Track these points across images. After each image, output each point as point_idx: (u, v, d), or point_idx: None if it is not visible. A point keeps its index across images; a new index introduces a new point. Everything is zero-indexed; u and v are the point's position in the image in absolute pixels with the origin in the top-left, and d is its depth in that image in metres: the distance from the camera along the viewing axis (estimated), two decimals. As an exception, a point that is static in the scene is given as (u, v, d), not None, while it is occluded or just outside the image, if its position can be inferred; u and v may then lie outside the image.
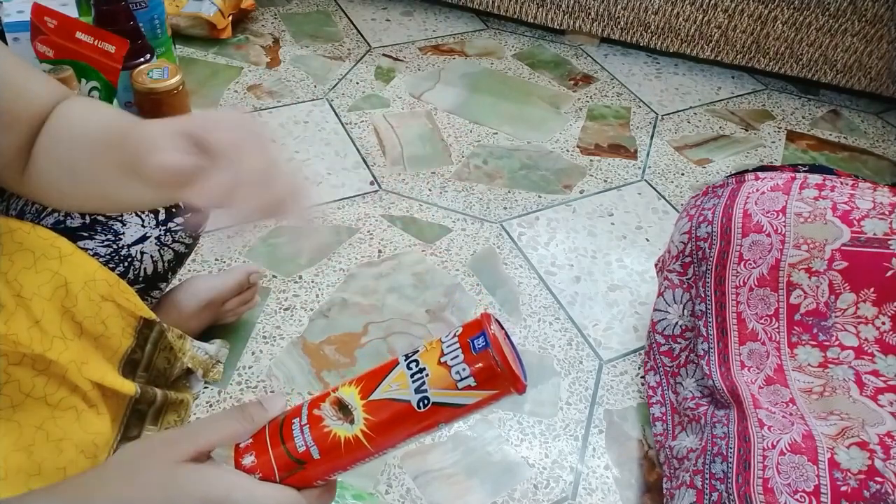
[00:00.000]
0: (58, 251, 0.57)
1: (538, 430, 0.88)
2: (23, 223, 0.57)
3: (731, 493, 0.64)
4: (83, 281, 0.58)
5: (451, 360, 0.37)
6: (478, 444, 0.85)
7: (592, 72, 1.60)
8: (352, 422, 0.38)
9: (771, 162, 1.40)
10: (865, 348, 0.69)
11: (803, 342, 0.72)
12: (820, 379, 0.70)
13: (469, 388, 0.36)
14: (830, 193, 0.73)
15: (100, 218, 0.68)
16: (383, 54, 1.56)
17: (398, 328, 0.97)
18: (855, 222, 0.70)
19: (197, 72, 1.42)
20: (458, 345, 0.37)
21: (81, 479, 0.41)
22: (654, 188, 1.29)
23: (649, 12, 1.56)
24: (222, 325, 0.92)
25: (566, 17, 1.64)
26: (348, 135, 1.31)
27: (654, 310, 0.86)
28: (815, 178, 0.75)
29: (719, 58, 1.59)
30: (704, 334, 0.78)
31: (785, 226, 0.73)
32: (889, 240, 0.69)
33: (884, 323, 0.69)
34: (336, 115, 1.36)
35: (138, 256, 0.70)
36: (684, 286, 0.82)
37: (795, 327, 0.72)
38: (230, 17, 1.51)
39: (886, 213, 0.70)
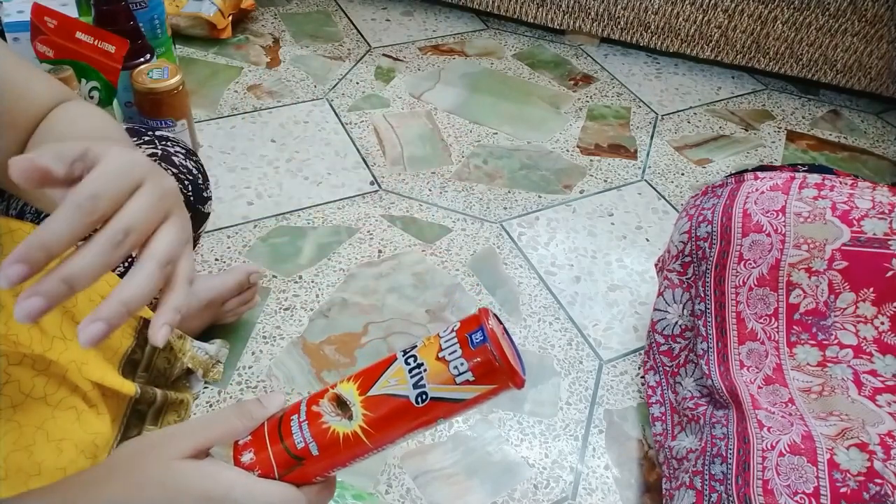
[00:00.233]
0: (58, 251, 0.57)
1: (538, 430, 0.88)
2: (23, 223, 0.57)
3: (731, 495, 0.64)
4: None
5: (450, 355, 0.37)
6: (478, 444, 0.85)
7: (592, 72, 1.60)
8: (350, 418, 0.38)
9: (771, 162, 1.40)
10: (864, 347, 0.69)
11: (802, 342, 0.72)
12: (819, 378, 0.70)
13: (467, 382, 0.37)
14: (830, 193, 0.73)
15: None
16: (383, 54, 1.56)
17: (398, 328, 0.97)
18: (854, 222, 0.70)
19: (197, 72, 1.43)
20: (456, 340, 0.37)
21: (80, 477, 0.41)
22: (654, 188, 1.29)
23: (649, 12, 1.56)
24: (222, 325, 0.92)
25: (566, 17, 1.64)
26: (348, 135, 1.32)
27: (654, 309, 0.86)
28: (815, 178, 0.75)
29: (719, 58, 1.59)
30: (704, 334, 0.78)
31: (785, 225, 0.73)
32: (889, 240, 0.69)
33: (882, 323, 0.69)
34: (336, 115, 1.36)
35: None
36: (684, 286, 0.82)
37: (795, 327, 0.72)
38: (230, 17, 1.51)
39: (886, 212, 0.70)
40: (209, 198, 0.84)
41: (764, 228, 0.73)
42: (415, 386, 0.37)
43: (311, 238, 1.09)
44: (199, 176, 0.81)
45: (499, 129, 1.38)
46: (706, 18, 1.53)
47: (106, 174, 0.34)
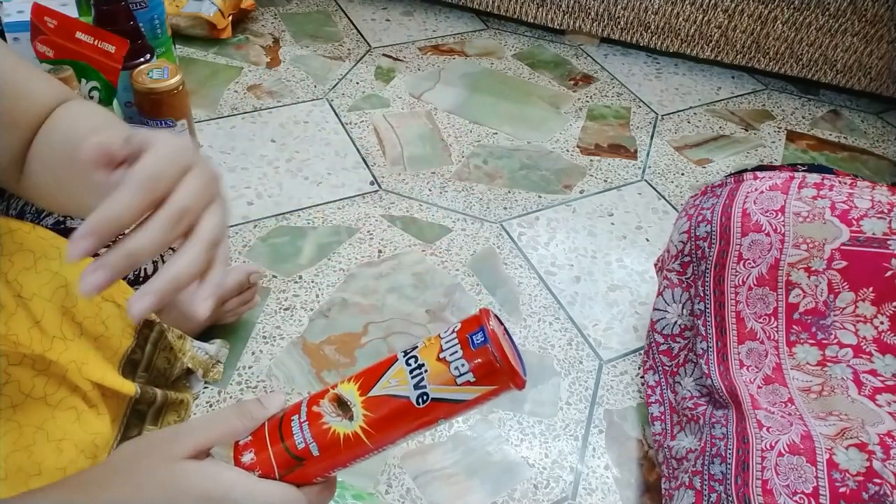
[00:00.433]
0: (58, 251, 0.57)
1: (538, 430, 0.88)
2: (23, 223, 0.57)
3: (730, 495, 0.64)
4: None
5: (450, 355, 0.37)
6: (478, 444, 0.85)
7: (592, 72, 1.60)
8: (351, 418, 0.38)
9: (771, 162, 1.40)
10: (864, 346, 0.69)
11: (802, 341, 0.72)
12: (818, 378, 0.70)
13: (468, 383, 0.37)
14: (829, 193, 0.73)
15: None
16: (383, 54, 1.56)
17: (398, 328, 0.97)
18: (854, 222, 0.71)
19: (197, 72, 1.43)
20: (456, 340, 0.37)
21: (81, 477, 0.41)
22: (654, 188, 1.29)
23: (649, 12, 1.56)
24: (222, 325, 0.92)
25: (566, 17, 1.64)
26: (348, 135, 1.32)
27: (654, 309, 0.86)
28: (814, 178, 0.75)
29: (719, 58, 1.59)
30: (703, 333, 0.78)
31: (784, 225, 0.73)
32: (888, 240, 0.69)
33: (882, 322, 0.69)
34: (336, 115, 1.36)
35: None
36: (683, 285, 0.82)
37: (794, 326, 0.72)
38: (230, 17, 1.51)
39: (885, 212, 0.70)
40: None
41: (763, 228, 0.73)
42: (416, 387, 0.37)
43: (311, 238, 1.09)
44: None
45: (499, 129, 1.38)
46: (706, 18, 1.53)
47: (162, 158, 0.36)
